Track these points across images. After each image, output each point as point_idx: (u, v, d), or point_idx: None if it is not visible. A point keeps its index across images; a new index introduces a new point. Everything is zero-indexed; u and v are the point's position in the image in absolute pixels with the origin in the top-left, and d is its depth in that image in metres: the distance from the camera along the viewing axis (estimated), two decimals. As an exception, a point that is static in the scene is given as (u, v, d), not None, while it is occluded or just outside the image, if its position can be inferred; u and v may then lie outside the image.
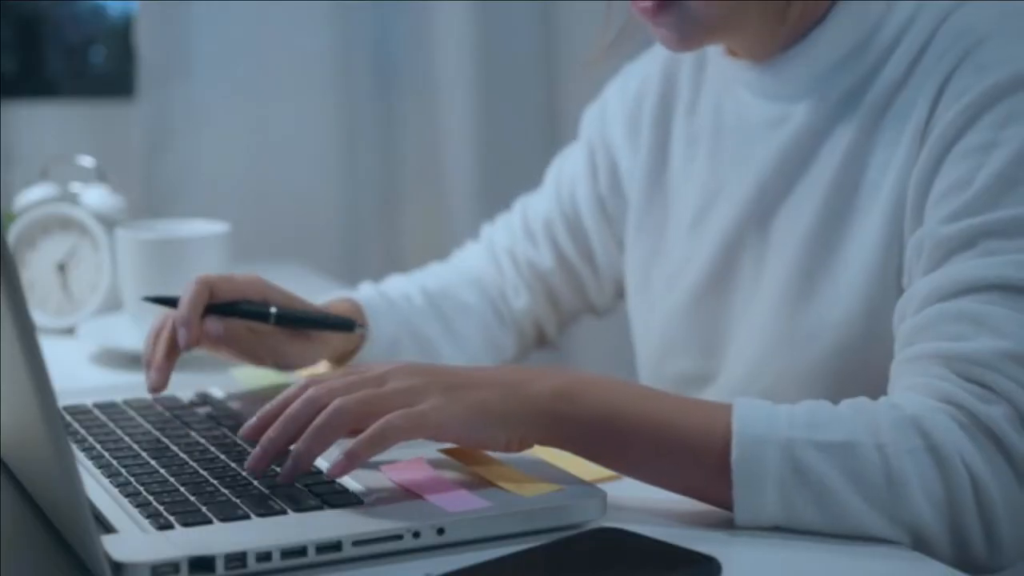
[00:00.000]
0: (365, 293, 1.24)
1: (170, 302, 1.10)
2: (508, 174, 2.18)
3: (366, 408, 0.86)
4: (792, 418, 0.86)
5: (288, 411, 0.87)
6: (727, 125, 1.15)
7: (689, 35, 1.05)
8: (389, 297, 1.24)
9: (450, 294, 1.28)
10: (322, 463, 0.90)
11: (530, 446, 0.89)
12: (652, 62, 1.24)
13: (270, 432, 0.87)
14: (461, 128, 2.22)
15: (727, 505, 0.86)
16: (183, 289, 1.09)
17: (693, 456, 0.87)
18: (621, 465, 0.89)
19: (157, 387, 1.07)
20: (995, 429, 0.86)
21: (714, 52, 1.15)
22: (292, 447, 0.87)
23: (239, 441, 0.98)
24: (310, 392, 0.87)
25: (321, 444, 0.85)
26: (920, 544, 0.85)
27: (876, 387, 0.96)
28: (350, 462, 0.85)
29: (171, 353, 1.08)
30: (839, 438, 0.85)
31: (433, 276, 1.31)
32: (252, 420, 0.90)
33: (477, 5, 2.20)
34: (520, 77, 2.26)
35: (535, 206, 1.32)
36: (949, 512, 0.84)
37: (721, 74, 1.15)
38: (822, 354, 1.05)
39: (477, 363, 1.26)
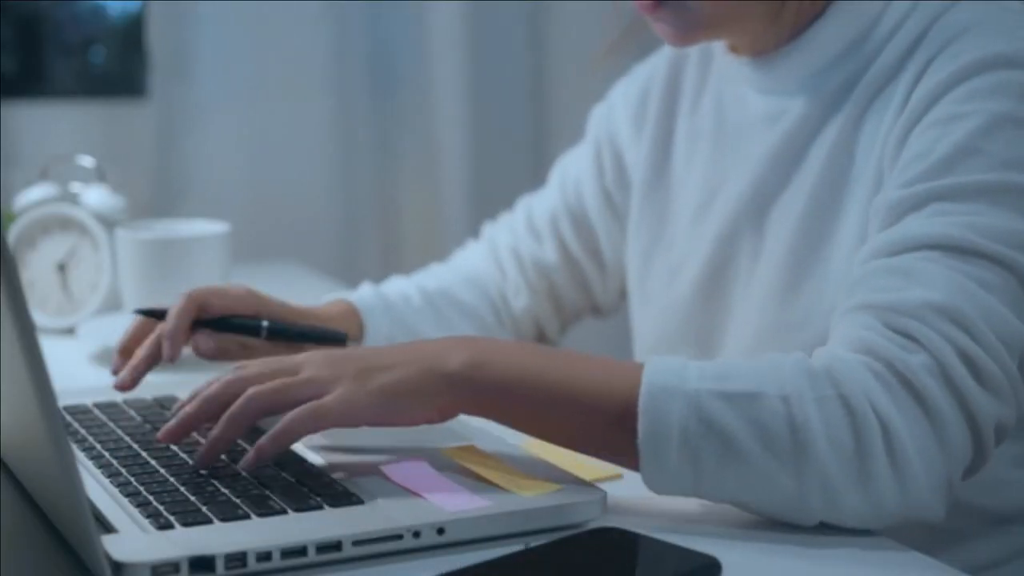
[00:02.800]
0: (362, 294, 1.25)
1: (161, 315, 1.10)
2: (503, 173, 2.19)
3: (276, 397, 0.89)
4: (702, 371, 0.86)
5: (206, 391, 0.91)
6: (728, 121, 1.16)
7: (687, 31, 1.06)
8: (387, 298, 1.25)
9: (448, 294, 1.28)
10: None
11: (454, 415, 0.90)
12: (659, 59, 1.25)
13: (186, 407, 0.91)
14: (456, 128, 2.23)
15: (634, 462, 0.86)
16: (173, 301, 1.10)
17: (604, 411, 0.87)
18: (537, 427, 0.90)
19: (125, 387, 1.08)
20: (912, 379, 0.85)
21: (719, 49, 1.16)
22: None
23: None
24: (228, 377, 0.91)
25: (232, 432, 0.89)
26: (828, 495, 0.83)
27: None
28: (258, 456, 0.88)
29: (151, 359, 1.09)
30: (745, 389, 0.84)
31: (432, 276, 1.31)
32: (171, 423, 0.92)
33: (470, 6, 2.21)
34: (513, 77, 2.27)
35: (539, 204, 1.32)
36: (857, 460, 0.83)
37: (724, 70, 1.17)
38: (811, 342, 1.05)
39: None
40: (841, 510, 0.84)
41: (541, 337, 1.34)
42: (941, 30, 1.01)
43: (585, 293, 1.32)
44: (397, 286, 1.28)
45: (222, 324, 1.10)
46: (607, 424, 0.87)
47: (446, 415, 0.90)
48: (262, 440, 0.88)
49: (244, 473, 0.89)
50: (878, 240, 0.94)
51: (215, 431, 0.89)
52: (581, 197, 1.29)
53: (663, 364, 0.87)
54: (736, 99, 1.15)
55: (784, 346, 1.07)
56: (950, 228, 0.91)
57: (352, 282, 1.99)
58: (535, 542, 0.82)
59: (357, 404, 0.88)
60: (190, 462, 0.93)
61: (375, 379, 0.88)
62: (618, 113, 1.27)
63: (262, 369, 0.91)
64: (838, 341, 0.90)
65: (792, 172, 1.09)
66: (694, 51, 1.21)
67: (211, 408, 0.90)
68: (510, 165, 2.21)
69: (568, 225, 1.30)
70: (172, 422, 0.92)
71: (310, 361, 0.90)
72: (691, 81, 1.21)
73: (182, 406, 0.93)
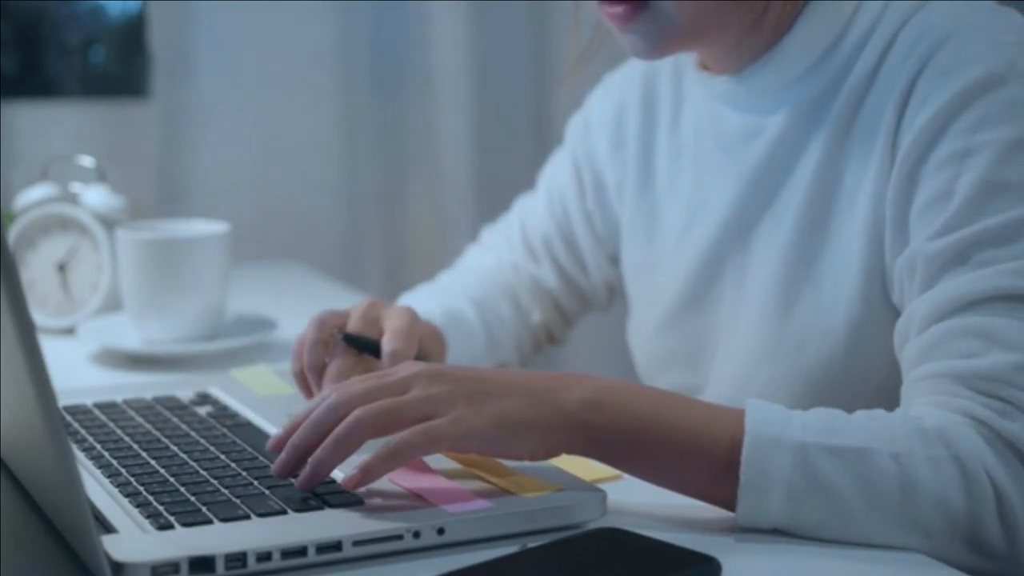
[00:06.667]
0: (430, 310, 1.20)
1: (366, 346, 1.07)
2: (507, 174, 2.19)
3: (385, 419, 0.85)
4: (806, 422, 0.85)
5: (311, 417, 0.86)
6: (707, 139, 1.14)
7: (660, 41, 1.03)
8: (457, 321, 1.22)
9: (493, 307, 1.28)
10: (336, 472, 0.89)
11: (557, 454, 0.88)
12: (631, 74, 1.23)
13: (294, 438, 0.86)
14: (460, 129, 2.23)
15: (732, 504, 0.86)
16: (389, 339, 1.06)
17: (709, 459, 0.86)
18: (641, 470, 0.88)
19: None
20: (1016, 443, 0.85)
21: (689, 66, 1.14)
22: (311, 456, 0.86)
23: (239, 441, 0.99)
24: (331, 399, 0.86)
25: (339, 455, 0.85)
26: (932, 556, 0.83)
27: (862, 398, 0.95)
28: (365, 476, 0.84)
29: None
30: (854, 443, 0.84)
31: (475, 287, 1.29)
32: (279, 432, 0.89)
33: (474, 6, 2.21)
34: (517, 77, 2.27)
35: (532, 221, 1.32)
36: (968, 523, 0.83)
37: (698, 88, 1.15)
38: (808, 364, 1.05)
39: (505, 367, 1.26)
40: (936, 561, 0.83)
41: (552, 340, 1.35)
42: (913, 35, 0.99)
43: (583, 302, 1.33)
44: (450, 299, 1.26)
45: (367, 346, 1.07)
46: (711, 471, 0.86)
47: (551, 453, 0.88)
48: (370, 460, 0.84)
49: (292, 483, 0.86)
50: (929, 301, 0.93)
51: (320, 453, 0.84)
52: (568, 217, 1.29)
53: (765, 412, 0.86)
54: (711, 116, 1.13)
55: (781, 368, 1.06)
56: (1001, 278, 0.90)
57: (355, 283, 1.99)
58: (533, 543, 0.82)
59: (472, 430, 0.85)
60: (190, 462, 0.93)
61: (490, 406, 0.85)
62: (594, 129, 1.26)
63: (367, 387, 0.86)
64: (930, 406, 0.89)
65: (777, 190, 1.08)
66: (665, 65, 1.19)
67: (321, 432, 0.85)
68: (514, 165, 2.21)
69: (561, 247, 1.30)
70: (283, 455, 0.86)
71: (417, 378, 0.86)
72: (667, 97, 1.19)
73: (287, 435, 0.88)
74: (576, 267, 1.30)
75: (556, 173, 1.32)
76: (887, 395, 0.97)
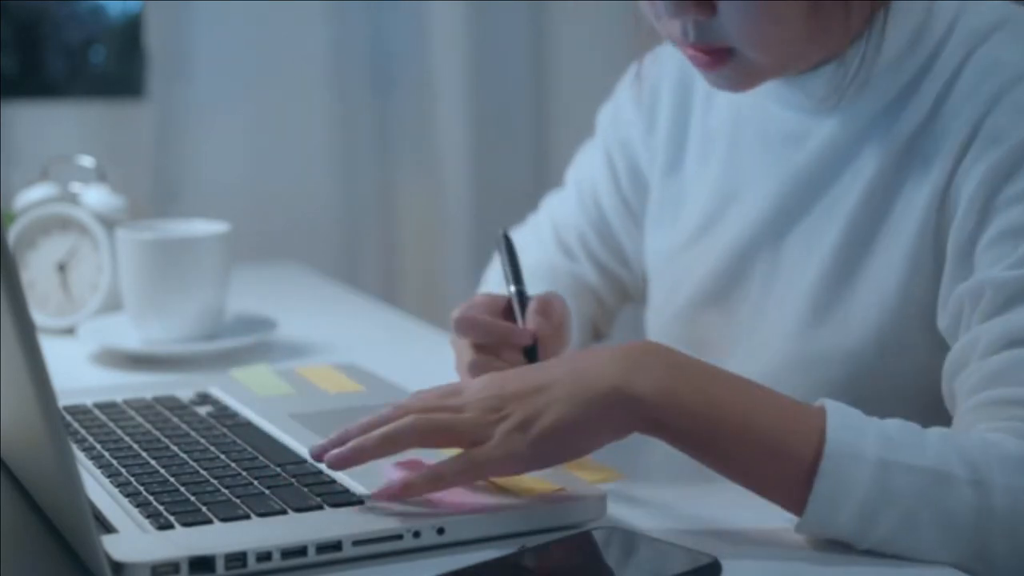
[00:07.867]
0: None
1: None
2: (504, 173, 2.19)
3: (433, 432, 0.86)
4: (887, 436, 0.84)
5: (370, 417, 0.88)
6: (746, 131, 1.13)
7: (745, 82, 1.03)
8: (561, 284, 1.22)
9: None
10: (356, 485, 0.89)
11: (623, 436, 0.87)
12: (664, 59, 1.21)
13: (349, 428, 0.88)
14: (457, 128, 2.23)
15: (796, 508, 0.84)
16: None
17: (783, 460, 0.84)
18: (709, 460, 0.87)
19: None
20: None
21: None
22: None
23: (239, 441, 0.99)
24: (393, 406, 0.88)
25: (381, 449, 0.86)
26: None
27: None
28: (405, 492, 0.86)
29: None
30: (934, 465, 0.82)
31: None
32: (332, 442, 0.89)
33: (471, 5, 2.21)
34: (514, 76, 2.28)
35: (564, 219, 1.30)
36: None
37: None
38: (832, 381, 1.03)
39: None
40: (937, 565, 0.82)
41: (597, 336, 1.32)
42: (983, 67, 0.98)
43: (623, 293, 1.30)
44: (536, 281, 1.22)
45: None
46: (784, 472, 0.84)
47: (621, 437, 0.87)
48: (414, 478, 0.86)
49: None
50: (997, 327, 0.91)
51: (363, 440, 0.86)
52: (601, 209, 1.27)
53: (845, 419, 0.84)
54: (756, 111, 1.11)
55: (804, 381, 1.04)
56: None
57: (353, 282, 1.99)
58: (532, 542, 0.82)
59: (517, 456, 0.85)
60: (190, 462, 0.94)
61: (538, 424, 0.85)
62: (627, 116, 1.24)
63: (428, 403, 0.88)
64: (1006, 432, 0.86)
65: (818, 198, 1.06)
66: None
67: (371, 429, 0.87)
68: (511, 164, 2.21)
69: (597, 242, 1.27)
70: (329, 439, 0.88)
71: (472, 402, 0.87)
72: (702, 80, 1.18)
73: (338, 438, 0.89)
74: (615, 260, 1.27)
75: (587, 166, 1.29)
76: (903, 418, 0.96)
